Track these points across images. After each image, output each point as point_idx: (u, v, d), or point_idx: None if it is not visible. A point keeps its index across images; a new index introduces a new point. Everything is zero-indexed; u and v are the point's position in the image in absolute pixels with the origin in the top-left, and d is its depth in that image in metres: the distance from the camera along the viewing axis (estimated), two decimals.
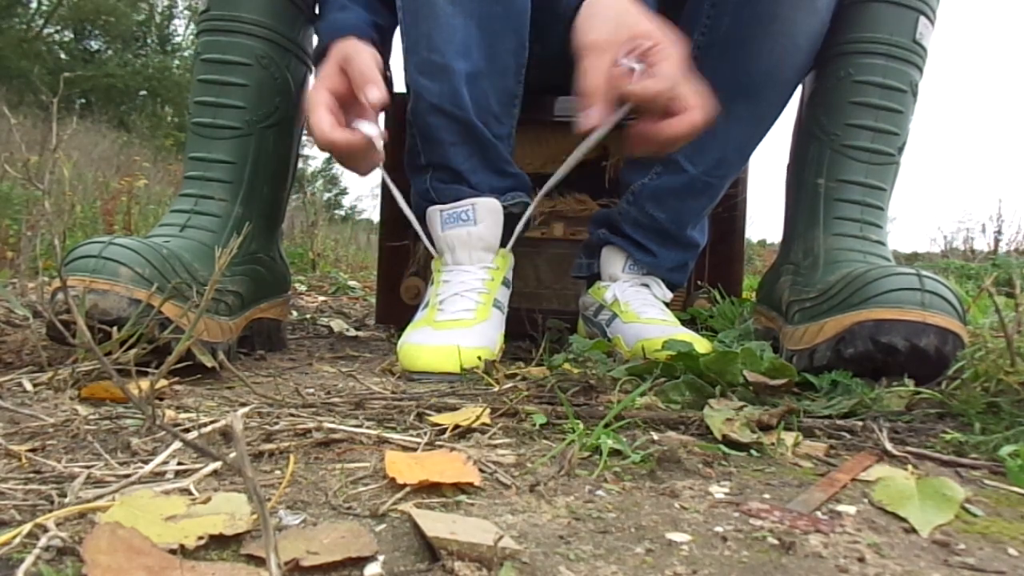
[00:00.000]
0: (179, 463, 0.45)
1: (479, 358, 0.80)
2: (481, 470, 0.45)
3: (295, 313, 1.53)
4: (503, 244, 0.95)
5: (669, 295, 1.04)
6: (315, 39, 0.94)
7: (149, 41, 14.44)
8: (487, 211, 0.91)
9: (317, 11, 0.97)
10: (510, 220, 0.96)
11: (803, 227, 0.93)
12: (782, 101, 0.96)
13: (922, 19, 0.90)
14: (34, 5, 12.27)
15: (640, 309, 0.97)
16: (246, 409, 0.59)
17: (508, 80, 0.93)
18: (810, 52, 0.92)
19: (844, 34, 0.92)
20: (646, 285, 1.02)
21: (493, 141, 0.93)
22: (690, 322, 1.11)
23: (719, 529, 0.38)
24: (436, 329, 0.85)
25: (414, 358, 0.81)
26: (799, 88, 0.98)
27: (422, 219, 0.94)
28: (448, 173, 0.91)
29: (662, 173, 0.98)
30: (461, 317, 0.87)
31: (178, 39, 14.39)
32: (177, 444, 0.47)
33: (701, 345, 0.83)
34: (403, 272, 1.23)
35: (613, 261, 1.04)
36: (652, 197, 0.99)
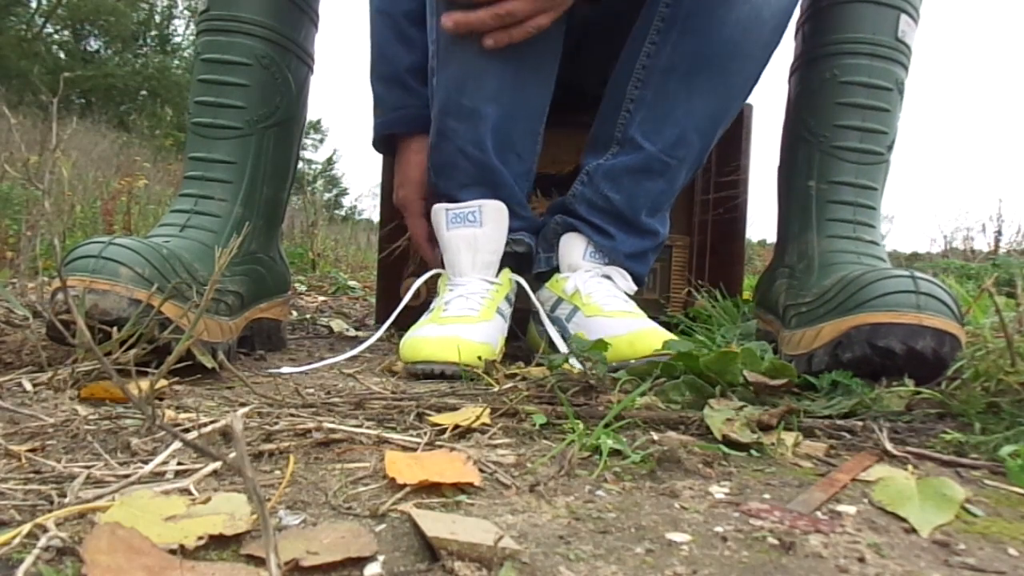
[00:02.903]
0: (179, 463, 0.45)
1: (479, 357, 0.81)
2: (481, 470, 0.45)
3: (295, 313, 1.53)
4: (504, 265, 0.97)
5: (633, 288, 0.98)
6: (374, 98, 1.02)
7: (149, 41, 14.45)
8: (493, 213, 0.93)
9: (378, 58, 1.01)
10: (511, 258, 0.97)
11: (796, 230, 0.93)
12: (746, 80, 0.92)
13: (903, 16, 0.90)
14: (34, 5, 12.28)
15: (603, 301, 0.91)
16: (246, 409, 0.59)
17: (534, 121, 0.94)
18: (776, 28, 0.90)
19: (827, 35, 0.92)
20: (608, 277, 0.96)
21: (510, 183, 0.95)
22: (690, 322, 1.11)
23: (719, 529, 0.38)
24: (440, 324, 0.86)
25: (417, 349, 0.82)
26: (786, 90, 0.98)
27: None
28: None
29: (619, 153, 0.95)
30: (465, 314, 0.88)
31: (178, 39, 14.41)
32: (177, 444, 0.47)
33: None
34: (403, 272, 1.23)
35: (572, 248, 0.97)
36: (607, 176, 0.95)
